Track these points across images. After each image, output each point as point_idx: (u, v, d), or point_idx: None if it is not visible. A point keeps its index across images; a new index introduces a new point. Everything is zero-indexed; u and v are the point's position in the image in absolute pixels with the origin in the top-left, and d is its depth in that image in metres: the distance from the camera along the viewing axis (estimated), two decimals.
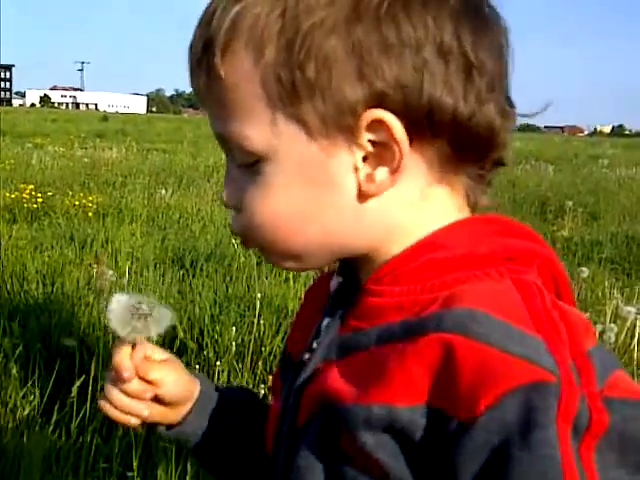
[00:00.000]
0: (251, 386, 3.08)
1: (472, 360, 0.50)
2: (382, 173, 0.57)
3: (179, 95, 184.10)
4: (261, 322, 3.22)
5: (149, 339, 0.71)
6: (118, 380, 0.72)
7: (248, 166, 0.60)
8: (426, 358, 0.52)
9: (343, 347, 0.61)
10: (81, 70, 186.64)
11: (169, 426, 0.78)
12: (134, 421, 0.74)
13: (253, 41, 0.55)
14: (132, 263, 4.47)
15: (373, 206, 0.58)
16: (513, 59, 0.60)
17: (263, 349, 3.18)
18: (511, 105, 0.60)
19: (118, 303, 0.69)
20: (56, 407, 2.66)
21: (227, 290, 4.00)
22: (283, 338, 3.27)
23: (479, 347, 0.50)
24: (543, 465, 0.46)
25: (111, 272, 3.39)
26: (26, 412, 2.67)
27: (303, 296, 0.82)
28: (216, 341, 3.16)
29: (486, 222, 0.61)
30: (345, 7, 0.54)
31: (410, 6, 0.55)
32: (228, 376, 3.04)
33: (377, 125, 0.55)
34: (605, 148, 26.77)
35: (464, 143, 0.57)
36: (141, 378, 0.72)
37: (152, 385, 0.73)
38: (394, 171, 0.57)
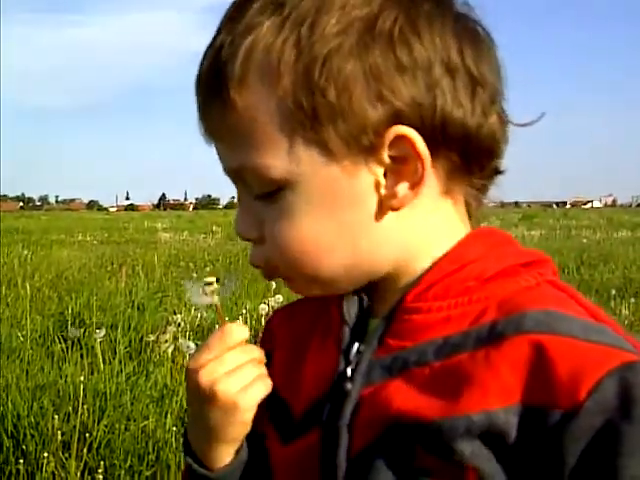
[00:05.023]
0: (79, 474, 3.01)
1: (565, 354, 0.54)
2: (403, 188, 0.59)
3: None
4: (84, 408, 3.16)
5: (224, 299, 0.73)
6: (223, 341, 0.66)
7: (267, 196, 0.60)
8: (514, 359, 0.55)
9: (391, 368, 0.60)
10: None
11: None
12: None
13: (268, 71, 0.57)
14: None
15: (396, 221, 0.60)
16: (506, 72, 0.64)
17: (87, 435, 3.12)
18: (506, 116, 0.63)
19: (188, 284, 0.74)
20: None
21: (27, 380, 3.82)
22: (107, 424, 3.23)
23: (567, 341, 0.54)
24: None
25: None
26: None
27: (264, 335, 0.77)
28: (39, 432, 3.04)
29: (491, 234, 0.65)
30: (359, 32, 0.57)
31: (419, 28, 0.58)
32: (55, 466, 2.94)
33: (399, 141, 0.57)
34: None
35: (473, 154, 0.60)
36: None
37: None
38: (415, 185, 0.59)
